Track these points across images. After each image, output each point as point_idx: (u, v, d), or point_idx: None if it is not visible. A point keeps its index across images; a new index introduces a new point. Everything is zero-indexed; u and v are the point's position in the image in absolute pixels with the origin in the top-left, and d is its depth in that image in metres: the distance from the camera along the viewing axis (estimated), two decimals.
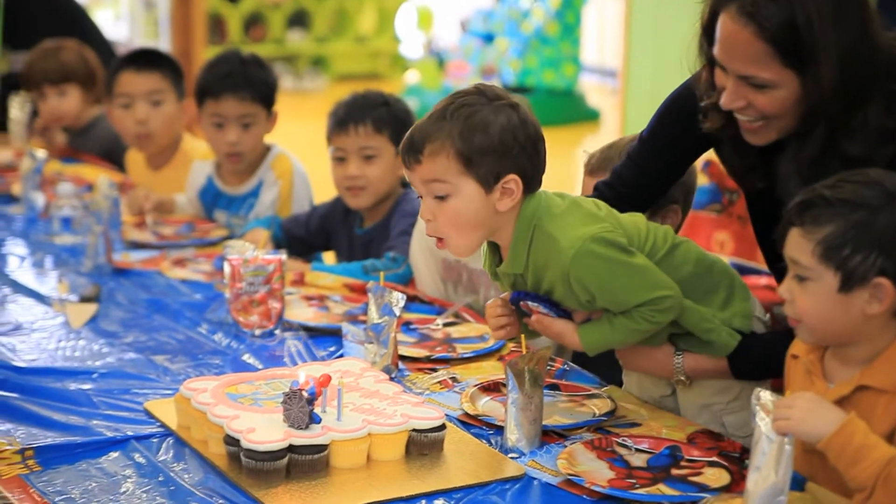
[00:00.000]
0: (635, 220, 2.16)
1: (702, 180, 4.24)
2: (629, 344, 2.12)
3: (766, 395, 1.76)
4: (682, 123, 2.28)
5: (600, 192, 2.41)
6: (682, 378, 2.15)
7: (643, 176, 2.40)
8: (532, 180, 2.08)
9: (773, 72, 2.02)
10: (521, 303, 2.14)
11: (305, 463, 1.90)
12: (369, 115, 3.13)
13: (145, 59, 3.97)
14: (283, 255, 2.65)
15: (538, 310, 2.11)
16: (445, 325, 2.64)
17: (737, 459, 1.97)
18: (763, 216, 2.30)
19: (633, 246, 2.08)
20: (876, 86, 2.04)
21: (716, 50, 2.09)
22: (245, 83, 3.49)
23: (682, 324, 2.11)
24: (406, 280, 3.00)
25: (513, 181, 2.05)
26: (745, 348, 2.14)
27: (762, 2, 2.00)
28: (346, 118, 3.15)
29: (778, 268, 2.39)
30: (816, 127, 2.04)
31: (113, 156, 4.33)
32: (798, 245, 1.86)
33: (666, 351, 2.15)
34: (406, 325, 2.60)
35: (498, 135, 2.04)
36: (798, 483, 1.87)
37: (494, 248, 2.16)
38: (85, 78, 4.47)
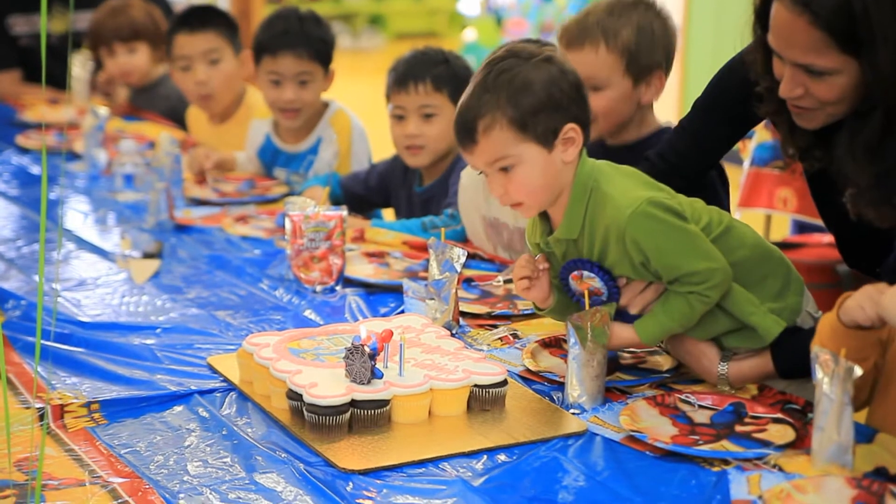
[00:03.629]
0: (690, 199, 2.12)
1: (764, 136, 4.19)
2: (686, 328, 2.08)
3: (824, 353, 1.75)
4: (737, 95, 2.24)
5: (651, 162, 2.37)
6: (727, 388, 2.10)
7: (696, 146, 2.37)
8: (586, 125, 2.07)
9: (831, 59, 1.99)
10: (572, 275, 2.11)
11: (368, 417, 1.91)
12: (429, 72, 3.11)
13: (198, 19, 3.96)
14: (344, 212, 2.66)
15: (591, 281, 2.08)
16: (506, 281, 2.63)
17: (800, 413, 1.95)
18: (823, 192, 2.25)
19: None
20: None
21: (770, 38, 2.05)
22: (302, 40, 3.49)
23: (727, 305, 2.06)
24: (464, 237, 3.00)
25: (571, 130, 2.04)
26: (789, 344, 2.06)
27: None
28: (405, 76, 3.13)
29: (842, 236, 2.36)
30: (874, 111, 2.00)
31: (177, 115, 4.36)
32: None
33: (711, 359, 2.10)
34: (467, 282, 2.60)
35: (544, 91, 2.03)
36: (866, 436, 1.85)
37: (544, 219, 2.14)
38: (153, 35, 4.50)
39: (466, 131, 2.06)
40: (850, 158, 2.05)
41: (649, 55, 2.46)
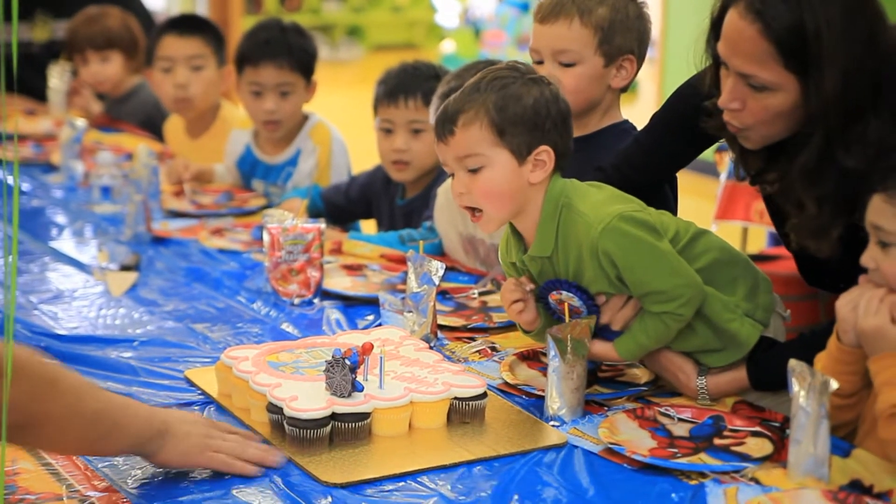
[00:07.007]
0: (658, 211, 2.14)
1: None
2: (664, 344, 2.10)
3: (801, 366, 1.76)
4: (694, 114, 2.24)
5: (606, 174, 2.38)
6: (707, 401, 2.11)
7: (651, 160, 2.38)
8: (562, 156, 2.08)
9: (774, 73, 2.00)
10: (551, 294, 2.12)
11: (348, 430, 1.91)
12: (420, 88, 3.11)
13: (188, 24, 3.99)
14: (322, 224, 2.66)
15: (570, 301, 2.09)
16: (481, 293, 2.64)
17: (778, 429, 1.96)
18: (778, 213, 2.26)
19: None
20: (880, 100, 2.00)
21: (720, 45, 2.07)
22: (284, 51, 3.49)
23: (705, 313, 2.07)
24: (441, 250, 3.00)
25: (545, 152, 2.05)
26: (764, 358, 2.08)
27: (772, 1, 1.98)
28: (396, 90, 3.13)
29: (799, 257, 2.36)
30: (813, 135, 2.02)
31: (152, 125, 4.35)
32: (881, 211, 1.84)
33: (688, 374, 2.11)
34: (441, 294, 2.59)
35: (531, 107, 2.04)
36: (843, 450, 1.86)
37: (518, 237, 2.15)
38: (128, 45, 4.49)
39: (446, 121, 2.07)
40: (790, 182, 2.07)
41: (623, 36, 2.46)
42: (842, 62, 1.97)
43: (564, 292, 2.08)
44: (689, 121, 2.25)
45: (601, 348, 2.09)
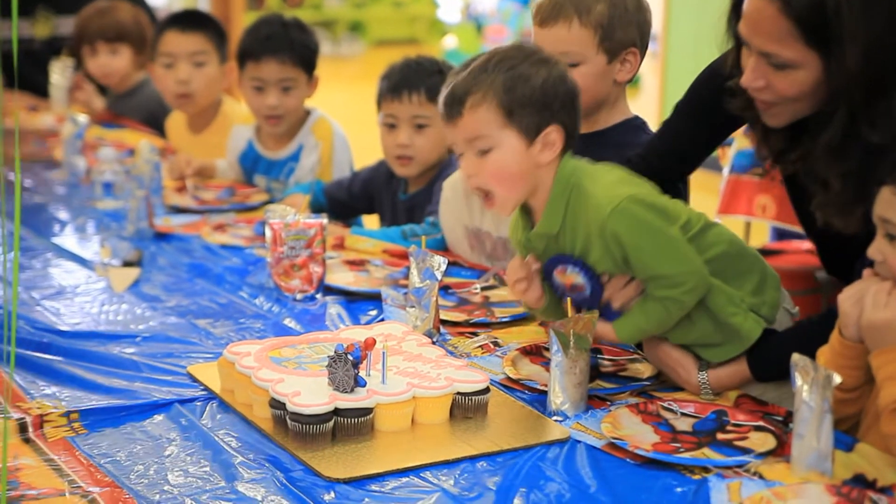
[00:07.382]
0: (673, 199, 2.14)
1: (744, 143, 4.20)
2: (663, 330, 2.10)
3: (804, 360, 1.75)
4: (718, 98, 2.24)
5: (632, 164, 2.38)
6: (710, 395, 2.11)
7: (677, 149, 2.38)
8: (570, 136, 2.08)
9: (795, 51, 2.00)
10: (556, 270, 2.11)
11: (351, 426, 1.91)
12: (423, 83, 3.10)
13: (190, 20, 3.99)
14: (325, 220, 2.65)
15: (575, 276, 2.09)
16: (483, 288, 2.63)
17: (781, 423, 1.96)
18: (800, 197, 2.26)
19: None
20: None
21: (741, 26, 2.07)
22: (286, 46, 3.49)
23: (709, 304, 2.07)
24: (444, 245, 2.99)
25: (554, 132, 2.05)
26: (764, 349, 2.08)
27: None
28: (399, 85, 3.12)
29: (821, 242, 2.36)
30: (837, 112, 2.01)
31: (155, 121, 4.35)
32: (889, 203, 1.84)
33: (688, 369, 2.11)
34: (444, 289, 2.59)
35: (539, 87, 2.05)
36: (846, 444, 1.86)
37: (526, 214, 2.15)
38: (137, 39, 4.50)
39: (454, 103, 2.07)
40: (814, 160, 2.07)
41: (623, 31, 2.46)
42: (863, 38, 1.96)
43: (570, 268, 2.08)
44: (714, 104, 2.25)
45: (601, 328, 2.09)
